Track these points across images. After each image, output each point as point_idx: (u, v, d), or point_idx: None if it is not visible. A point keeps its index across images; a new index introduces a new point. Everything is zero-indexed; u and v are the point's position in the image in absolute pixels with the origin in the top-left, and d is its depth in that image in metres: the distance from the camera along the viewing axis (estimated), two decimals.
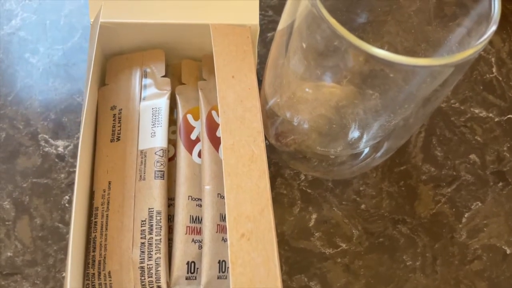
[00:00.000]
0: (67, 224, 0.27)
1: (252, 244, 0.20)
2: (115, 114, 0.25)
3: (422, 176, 0.30)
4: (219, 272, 0.22)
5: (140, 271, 0.21)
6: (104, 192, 0.23)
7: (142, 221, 0.22)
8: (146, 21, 0.26)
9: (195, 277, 0.22)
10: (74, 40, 0.33)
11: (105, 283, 0.21)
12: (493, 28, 0.17)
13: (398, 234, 0.28)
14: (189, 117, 0.26)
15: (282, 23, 0.21)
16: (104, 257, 0.22)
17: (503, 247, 0.29)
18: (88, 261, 0.22)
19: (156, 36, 0.27)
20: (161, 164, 0.23)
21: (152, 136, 0.24)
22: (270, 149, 0.28)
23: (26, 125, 0.30)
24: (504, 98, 0.33)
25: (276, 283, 0.19)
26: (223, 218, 0.23)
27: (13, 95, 0.31)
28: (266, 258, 0.19)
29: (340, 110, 0.26)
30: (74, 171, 0.28)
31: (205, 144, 0.24)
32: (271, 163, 0.30)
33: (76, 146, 0.29)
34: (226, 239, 0.22)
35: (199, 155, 0.24)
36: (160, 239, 0.22)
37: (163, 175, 0.23)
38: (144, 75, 0.26)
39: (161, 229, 0.22)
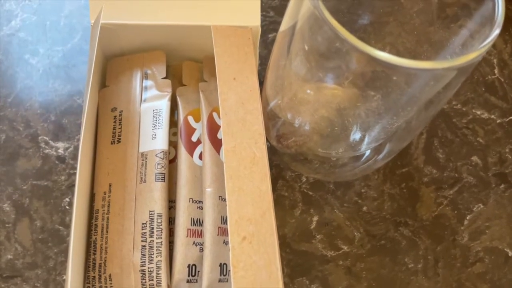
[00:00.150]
0: (67, 226, 0.27)
1: (254, 247, 0.19)
2: (115, 116, 0.25)
3: (424, 178, 0.30)
4: (220, 275, 0.22)
5: (141, 274, 0.21)
6: (105, 194, 0.23)
7: (143, 223, 0.22)
8: (147, 23, 0.26)
9: (196, 280, 0.22)
10: (74, 41, 0.33)
11: (106, 286, 0.21)
12: (497, 31, 0.17)
13: (400, 236, 0.28)
14: (190, 119, 0.25)
15: (284, 25, 0.21)
16: (105, 260, 0.22)
17: (505, 249, 0.28)
18: (89, 264, 0.22)
19: (157, 37, 0.27)
20: (162, 166, 0.23)
21: (153, 138, 0.24)
22: (272, 151, 0.28)
23: (26, 126, 0.30)
24: (506, 100, 0.33)
25: (278, 286, 0.19)
26: (224, 220, 0.23)
27: (13, 97, 0.31)
28: (267, 261, 0.19)
29: (342, 112, 0.25)
30: (75, 173, 0.28)
31: (206, 146, 0.24)
32: (272, 165, 0.29)
33: (76, 148, 0.29)
34: (227, 242, 0.22)
35: (200, 157, 0.24)
36: (161, 242, 0.22)
37: (164, 177, 0.23)
38: (145, 76, 0.26)
39: (162, 232, 0.22)
